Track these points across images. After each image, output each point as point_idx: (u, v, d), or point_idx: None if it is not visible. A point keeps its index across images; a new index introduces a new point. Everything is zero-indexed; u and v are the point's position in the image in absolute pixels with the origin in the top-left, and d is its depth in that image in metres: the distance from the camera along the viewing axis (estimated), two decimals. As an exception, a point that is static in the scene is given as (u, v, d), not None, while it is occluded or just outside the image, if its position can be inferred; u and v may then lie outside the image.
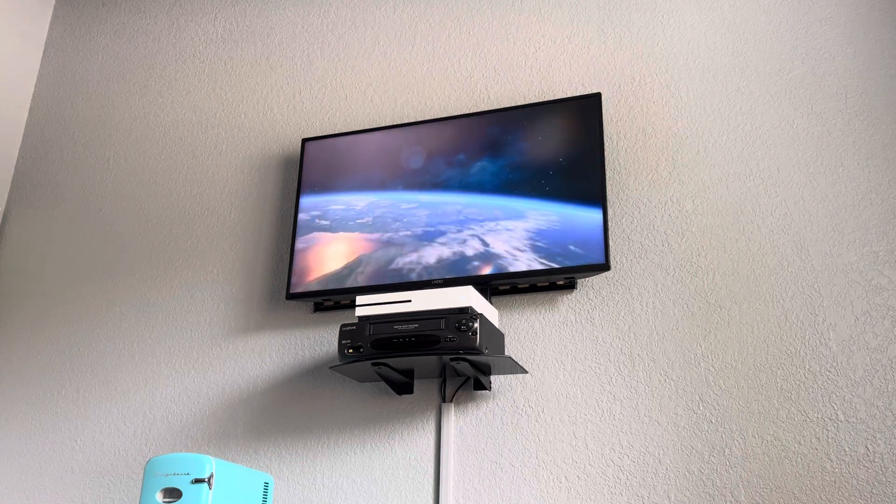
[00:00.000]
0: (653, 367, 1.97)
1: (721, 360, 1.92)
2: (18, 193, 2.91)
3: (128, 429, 2.39)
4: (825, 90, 2.08)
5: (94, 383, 2.48)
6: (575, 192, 2.06)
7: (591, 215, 2.03)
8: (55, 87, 3.04)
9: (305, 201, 2.24)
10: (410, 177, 1.98)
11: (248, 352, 2.34)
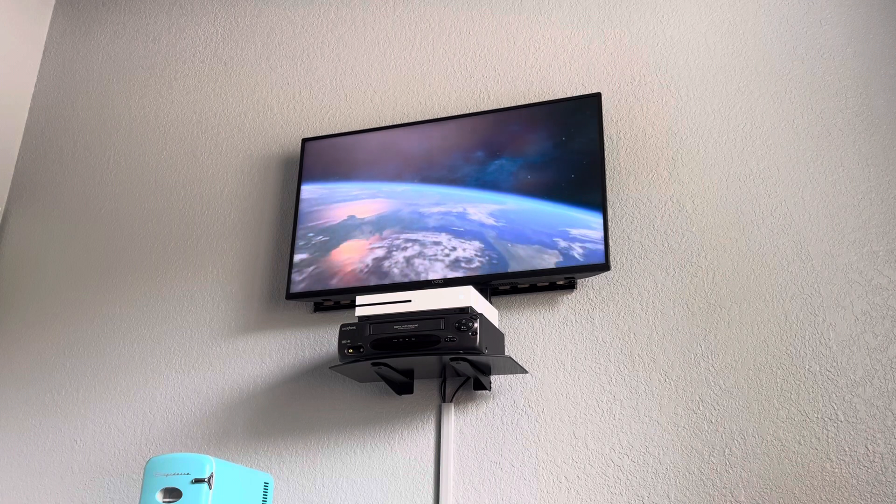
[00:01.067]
0: (653, 367, 1.97)
1: (721, 360, 1.92)
2: (18, 193, 2.91)
3: (128, 429, 2.39)
4: (825, 90, 2.08)
5: (94, 383, 2.48)
6: (574, 192, 2.06)
7: (586, 216, 2.03)
8: (55, 87, 3.04)
9: (309, 188, 2.27)
10: (426, 172, 2.08)
11: (248, 352, 2.34)
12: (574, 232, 1.75)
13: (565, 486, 1.93)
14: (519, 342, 2.09)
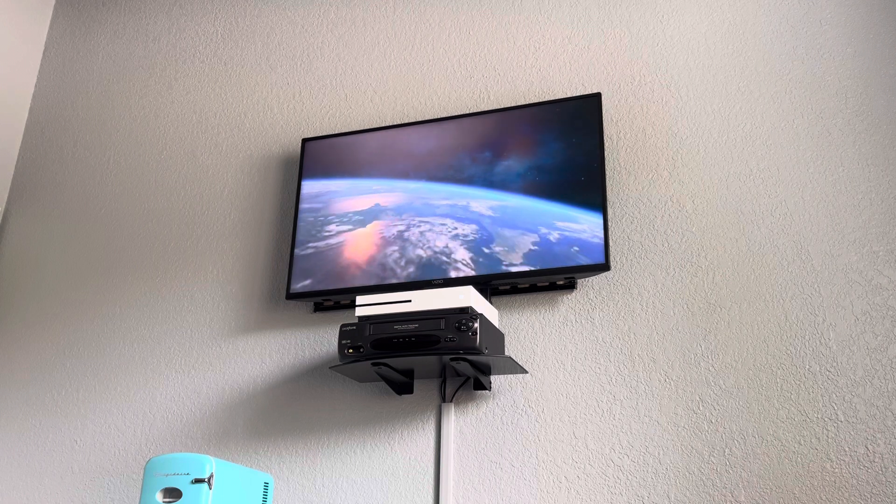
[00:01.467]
0: (653, 367, 1.97)
1: (721, 360, 1.92)
2: (18, 193, 2.91)
3: (128, 429, 2.39)
4: (825, 90, 2.08)
5: (94, 383, 2.48)
6: (573, 192, 2.06)
7: (587, 216, 2.03)
8: (55, 87, 3.04)
9: (312, 185, 2.33)
10: (433, 171, 2.19)
11: (248, 352, 2.34)
12: (558, 224, 1.96)
13: (565, 486, 1.93)
14: (519, 342, 2.09)
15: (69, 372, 2.53)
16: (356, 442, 2.14)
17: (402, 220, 1.94)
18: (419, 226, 1.91)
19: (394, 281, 1.97)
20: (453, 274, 1.95)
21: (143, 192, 2.71)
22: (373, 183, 2.05)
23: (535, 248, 1.89)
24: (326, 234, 1.98)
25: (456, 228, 1.91)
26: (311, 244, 2.06)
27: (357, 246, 1.97)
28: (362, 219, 1.96)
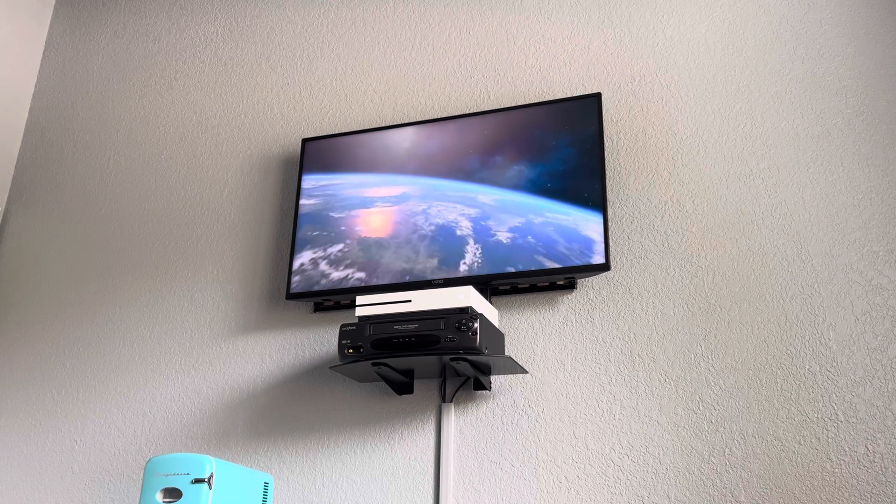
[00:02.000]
0: (653, 367, 1.97)
1: (721, 360, 1.92)
2: (18, 193, 2.91)
3: (128, 429, 2.39)
4: (825, 90, 2.08)
5: (94, 383, 2.48)
6: (574, 191, 2.07)
7: (588, 215, 2.03)
8: (55, 87, 3.04)
9: (313, 178, 2.40)
10: (442, 171, 2.30)
11: (248, 352, 2.34)
12: (547, 214, 2.10)
13: (565, 486, 1.93)
14: (519, 342, 2.09)
15: (69, 372, 2.53)
16: (356, 442, 2.14)
17: (426, 202, 2.23)
18: (437, 206, 2.22)
19: (421, 232, 2.24)
20: (458, 232, 2.19)
21: (143, 192, 2.71)
22: (397, 177, 2.34)
23: (519, 224, 2.12)
24: (375, 205, 2.30)
25: (464, 209, 2.20)
26: (360, 209, 2.34)
27: (394, 212, 2.24)
28: (397, 199, 2.28)
